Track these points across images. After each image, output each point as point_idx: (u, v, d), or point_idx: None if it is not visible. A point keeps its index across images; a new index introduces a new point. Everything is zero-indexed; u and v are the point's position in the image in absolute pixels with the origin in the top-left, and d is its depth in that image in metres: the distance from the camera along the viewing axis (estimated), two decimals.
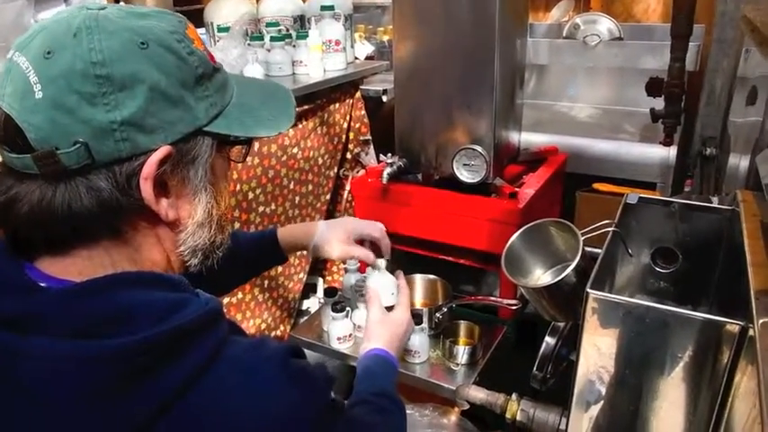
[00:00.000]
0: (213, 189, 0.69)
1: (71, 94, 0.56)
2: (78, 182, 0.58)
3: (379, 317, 1.16)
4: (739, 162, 1.47)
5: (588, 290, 0.87)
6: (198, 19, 2.16)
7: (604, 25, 2.41)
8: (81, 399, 0.55)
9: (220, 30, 2.00)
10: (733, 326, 0.80)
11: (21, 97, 0.56)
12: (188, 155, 0.64)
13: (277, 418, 0.62)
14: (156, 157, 0.60)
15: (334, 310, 1.53)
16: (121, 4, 1.94)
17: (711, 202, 1.24)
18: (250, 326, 1.93)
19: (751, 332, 0.77)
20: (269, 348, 0.66)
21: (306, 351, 1.66)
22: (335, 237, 1.23)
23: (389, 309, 1.21)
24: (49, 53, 0.57)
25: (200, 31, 2.12)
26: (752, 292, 0.78)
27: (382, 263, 1.32)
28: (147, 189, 0.60)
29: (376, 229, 1.28)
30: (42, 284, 0.61)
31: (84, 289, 0.59)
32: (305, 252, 2.10)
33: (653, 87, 1.59)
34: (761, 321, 0.72)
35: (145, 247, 0.66)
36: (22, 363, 0.56)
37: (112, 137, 0.57)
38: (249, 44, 1.93)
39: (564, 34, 2.49)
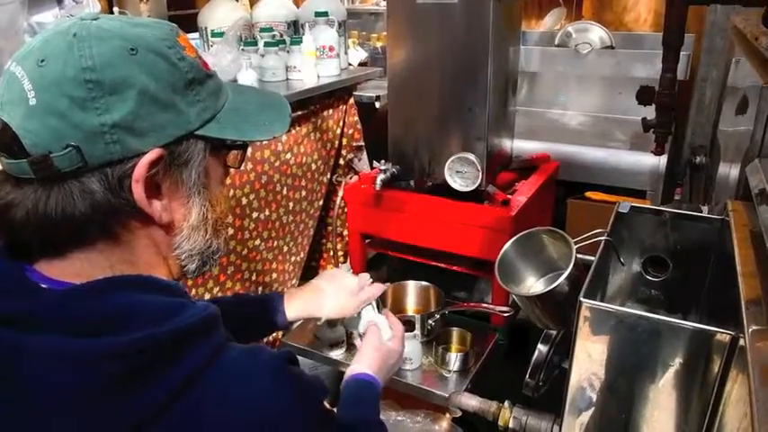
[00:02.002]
0: (208, 192, 0.70)
1: (62, 99, 0.58)
2: (72, 185, 0.59)
3: (376, 344, 1.13)
4: (729, 171, 1.49)
5: (581, 299, 0.87)
6: (192, 23, 2.16)
7: (596, 34, 2.43)
8: (79, 396, 0.56)
9: (214, 35, 1.99)
10: (724, 335, 0.81)
11: (17, 104, 0.59)
12: (180, 158, 0.65)
13: (272, 422, 0.64)
14: (146, 160, 0.61)
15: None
16: (116, 12, 1.94)
17: (701, 212, 1.25)
18: None
19: (741, 342, 0.78)
20: (265, 354, 0.68)
21: (298, 358, 1.66)
22: (346, 302, 1.23)
23: None
24: (42, 61, 0.59)
25: (194, 35, 2.13)
26: (742, 302, 0.79)
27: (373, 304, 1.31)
28: (138, 191, 0.62)
29: (365, 280, 1.27)
30: (43, 286, 0.62)
31: (84, 290, 0.61)
32: (298, 258, 2.13)
33: (643, 96, 1.61)
34: (751, 331, 0.73)
35: (140, 250, 0.67)
36: (23, 360, 0.57)
37: (103, 140, 0.59)
38: (243, 49, 1.93)
39: (556, 42, 2.51)
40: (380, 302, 1.36)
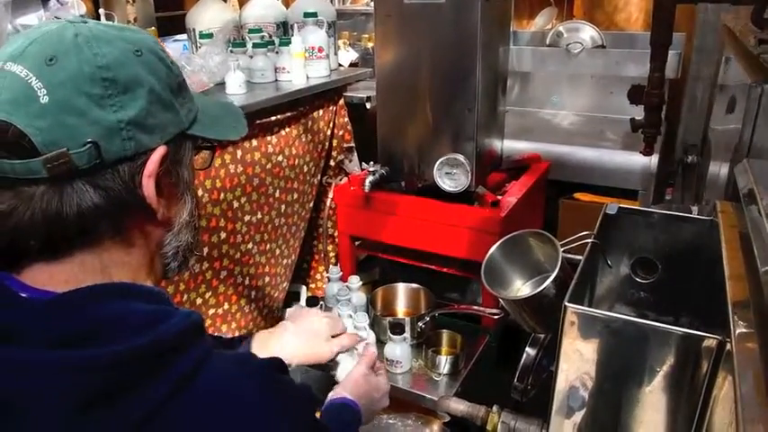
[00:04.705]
0: (193, 190, 0.73)
1: (80, 97, 0.58)
2: (86, 182, 0.60)
3: (364, 372, 1.08)
4: (719, 170, 1.48)
5: (566, 303, 0.86)
6: (179, 25, 2.14)
7: (587, 33, 2.42)
8: (63, 409, 0.55)
9: (202, 36, 1.98)
10: (711, 340, 0.80)
11: (23, 103, 0.57)
12: (176, 156, 0.68)
13: (261, 428, 0.63)
14: (157, 155, 0.63)
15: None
16: (102, 13, 1.93)
17: (691, 212, 1.24)
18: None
19: (728, 346, 0.77)
20: (254, 362, 0.68)
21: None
22: (313, 347, 1.10)
23: None
24: (51, 60, 0.58)
25: (182, 37, 2.11)
26: (729, 306, 0.78)
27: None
28: (149, 187, 0.63)
29: (338, 327, 1.15)
30: (23, 295, 0.61)
31: (67, 300, 0.60)
32: (289, 261, 2.11)
33: (635, 95, 1.60)
34: (738, 336, 0.72)
35: (137, 248, 0.67)
36: (4, 372, 0.56)
37: (119, 136, 0.60)
38: (231, 51, 1.91)
39: (547, 42, 2.49)
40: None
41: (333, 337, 1.12)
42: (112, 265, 0.65)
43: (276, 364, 0.70)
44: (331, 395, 1.03)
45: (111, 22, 0.70)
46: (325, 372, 1.20)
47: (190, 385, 0.59)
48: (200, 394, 0.60)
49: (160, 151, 0.64)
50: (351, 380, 1.06)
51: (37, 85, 0.58)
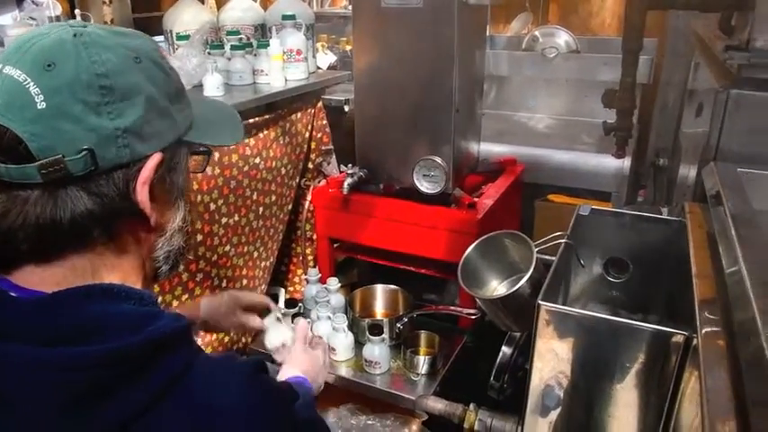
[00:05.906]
0: (188, 196, 0.73)
1: (76, 104, 0.58)
2: (81, 188, 0.60)
3: (302, 347, 1.18)
4: (688, 173, 1.52)
5: (540, 301, 0.88)
6: (157, 26, 2.13)
7: (562, 38, 2.47)
8: (51, 406, 0.55)
9: (179, 38, 1.97)
10: (679, 336, 0.83)
11: (19, 108, 0.57)
12: (171, 163, 0.68)
13: (249, 427, 0.65)
14: (152, 163, 0.63)
15: (294, 322, 1.52)
16: (77, 14, 1.91)
17: (662, 213, 1.27)
18: (213, 339, 1.90)
19: (695, 342, 0.80)
20: (238, 363, 0.70)
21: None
22: (220, 313, 1.26)
23: None
24: (49, 66, 0.58)
25: (159, 38, 2.10)
26: (696, 304, 0.80)
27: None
28: (143, 193, 0.63)
29: (255, 296, 1.32)
30: (13, 294, 0.62)
31: (57, 300, 0.60)
32: (267, 263, 2.11)
33: (608, 99, 1.63)
34: (704, 333, 0.74)
35: (129, 252, 0.68)
36: None
37: (115, 144, 0.60)
38: (209, 53, 1.91)
39: (523, 46, 2.53)
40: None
41: (248, 309, 1.28)
42: (103, 269, 0.65)
43: (259, 365, 0.72)
44: (283, 374, 1.08)
45: (112, 27, 0.69)
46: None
47: (178, 385, 0.60)
48: (189, 394, 0.61)
49: (155, 158, 0.64)
50: (294, 357, 1.14)
51: (34, 91, 0.57)
